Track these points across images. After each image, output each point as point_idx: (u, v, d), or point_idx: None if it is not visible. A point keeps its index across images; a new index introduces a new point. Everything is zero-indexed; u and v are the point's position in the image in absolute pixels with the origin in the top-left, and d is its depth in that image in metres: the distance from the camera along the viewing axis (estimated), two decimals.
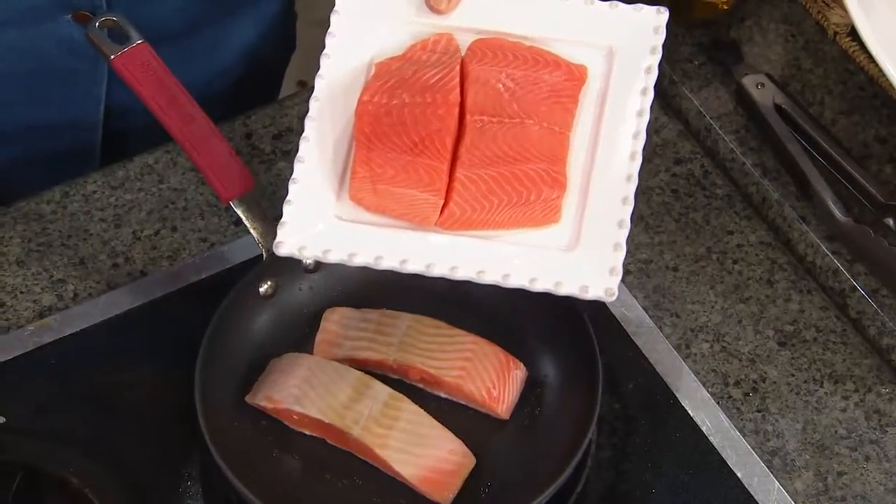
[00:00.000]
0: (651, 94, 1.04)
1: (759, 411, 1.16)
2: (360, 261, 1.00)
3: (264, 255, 1.14)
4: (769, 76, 1.29)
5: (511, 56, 1.05)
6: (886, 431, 1.15)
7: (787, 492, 1.11)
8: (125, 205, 1.24)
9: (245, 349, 1.13)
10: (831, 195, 1.22)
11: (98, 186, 1.25)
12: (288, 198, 1.01)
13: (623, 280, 1.20)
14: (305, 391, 1.09)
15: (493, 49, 1.05)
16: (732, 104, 1.30)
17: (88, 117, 1.34)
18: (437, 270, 0.99)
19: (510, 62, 1.04)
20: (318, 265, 1.17)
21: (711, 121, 1.29)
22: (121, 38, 1.13)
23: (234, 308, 1.13)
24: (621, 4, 1.06)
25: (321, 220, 1.01)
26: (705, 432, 1.14)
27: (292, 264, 1.16)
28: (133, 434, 1.07)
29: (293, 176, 1.02)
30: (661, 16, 1.06)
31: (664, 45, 1.05)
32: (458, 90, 1.03)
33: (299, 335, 1.15)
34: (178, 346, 1.13)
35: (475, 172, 1.01)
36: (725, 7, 1.33)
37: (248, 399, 1.11)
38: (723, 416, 1.15)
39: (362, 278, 1.15)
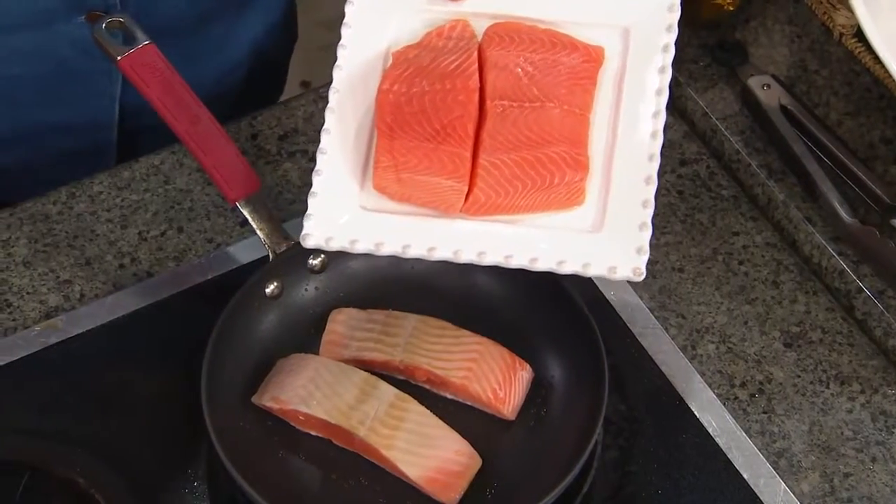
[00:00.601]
0: (669, 72, 1.04)
1: (765, 412, 1.15)
2: (387, 250, 1.00)
3: (271, 256, 1.14)
4: (775, 77, 1.29)
5: (528, 40, 1.05)
6: (893, 433, 1.15)
7: (794, 493, 1.11)
8: (131, 205, 1.24)
9: (251, 350, 1.13)
10: (837, 196, 1.22)
11: (104, 187, 1.25)
12: (312, 189, 1.01)
13: (628, 281, 1.21)
14: (311, 392, 1.09)
15: (509, 33, 1.05)
16: (738, 105, 1.30)
17: (104, 117, 1.34)
18: (465, 256, 0.99)
19: (527, 46, 1.04)
20: (325, 266, 1.17)
21: (717, 122, 1.29)
22: (128, 38, 1.13)
23: (241, 309, 1.13)
24: None
25: (347, 211, 1.01)
26: (711, 433, 1.14)
27: (298, 265, 1.16)
28: (139, 434, 1.07)
29: (317, 168, 1.02)
30: None
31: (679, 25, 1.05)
32: (477, 76, 1.03)
33: (305, 336, 1.15)
34: (185, 346, 1.13)
35: (498, 157, 1.01)
36: (731, 8, 1.33)
37: (254, 400, 1.11)
38: (729, 417, 1.15)
39: (368, 279, 1.15)
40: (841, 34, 1.33)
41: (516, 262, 0.99)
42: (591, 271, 0.98)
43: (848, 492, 1.12)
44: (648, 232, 0.99)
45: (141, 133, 1.36)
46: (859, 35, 1.29)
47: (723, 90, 1.31)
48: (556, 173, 1.00)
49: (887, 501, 1.11)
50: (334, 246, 1.00)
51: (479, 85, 1.03)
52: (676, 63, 1.30)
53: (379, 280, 1.16)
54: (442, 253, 0.99)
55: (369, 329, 1.14)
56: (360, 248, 1.00)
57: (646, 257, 0.98)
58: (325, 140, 1.03)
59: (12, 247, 1.21)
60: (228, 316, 1.11)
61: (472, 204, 1.00)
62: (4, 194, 1.28)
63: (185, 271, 1.20)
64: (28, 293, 1.19)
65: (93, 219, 1.23)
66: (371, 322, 1.15)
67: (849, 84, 1.31)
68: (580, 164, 1.01)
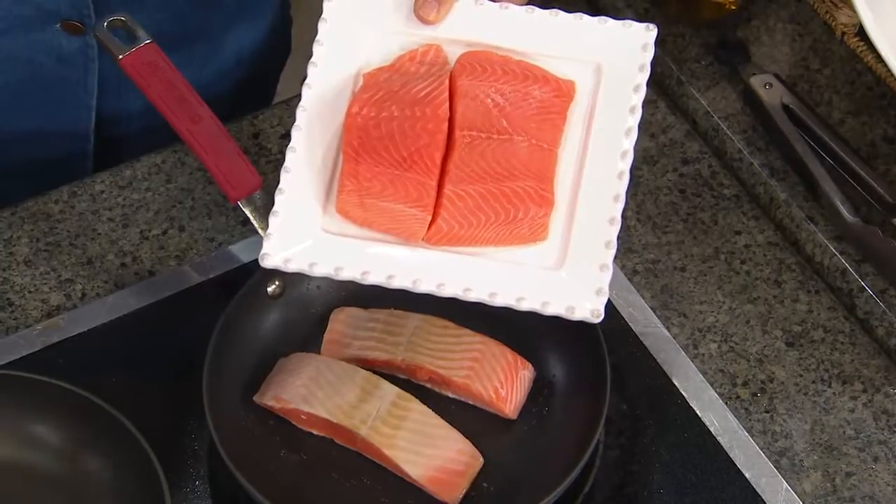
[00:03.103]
0: (639, 113, 1.03)
1: (767, 412, 1.15)
2: (346, 275, 0.98)
3: None
4: (777, 76, 1.29)
5: (500, 70, 1.04)
6: (895, 432, 1.15)
7: (796, 492, 1.11)
8: (133, 204, 1.24)
9: (253, 349, 1.13)
10: (839, 195, 1.22)
11: (106, 186, 1.25)
12: (274, 209, 1.00)
13: (630, 280, 1.21)
14: (313, 391, 1.09)
15: (481, 63, 1.04)
16: (740, 104, 1.30)
17: (80, 126, 1.33)
18: (424, 287, 0.98)
19: (499, 77, 1.03)
20: None
21: (719, 121, 1.29)
22: (129, 38, 1.13)
23: (242, 308, 1.13)
24: (610, 20, 1.05)
25: (307, 233, 1.00)
26: (713, 433, 1.14)
27: None
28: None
29: (280, 186, 1.01)
30: (649, 33, 1.04)
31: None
32: (447, 105, 1.02)
33: (307, 335, 1.15)
34: (186, 345, 1.13)
35: (463, 188, 1.00)
36: (733, 7, 1.32)
37: (255, 399, 1.11)
38: (731, 417, 1.14)
39: None
40: (843, 33, 1.32)
41: (475, 295, 0.98)
42: (550, 310, 0.98)
43: (850, 491, 1.12)
44: (609, 273, 0.98)
45: (118, 142, 1.35)
46: (861, 34, 1.29)
47: (725, 89, 1.31)
48: (521, 208, 1.00)
49: (889, 501, 1.11)
50: (292, 268, 0.99)
51: (448, 114, 1.02)
52: (678, 62, 1.32)
53: None
54: (401, 282, 0.98)
55: (371, 328, 1.14)
56: (318, 271, 0.99)
57: (605, 298, 0.97)
58: (290, 159, 1.01)
59: (14, 246, 1.21)
60: (230, 315, 1.11)
61: (434, 233, 0.99)
62: None
63: (186, 270, 1.20)
64: (29, 292, 1.19)
65: (94, 218, 1.23)
66: (373, 321, 1.15)
67: (851, 83, 1.31)
68: (545, 200, 1.00)
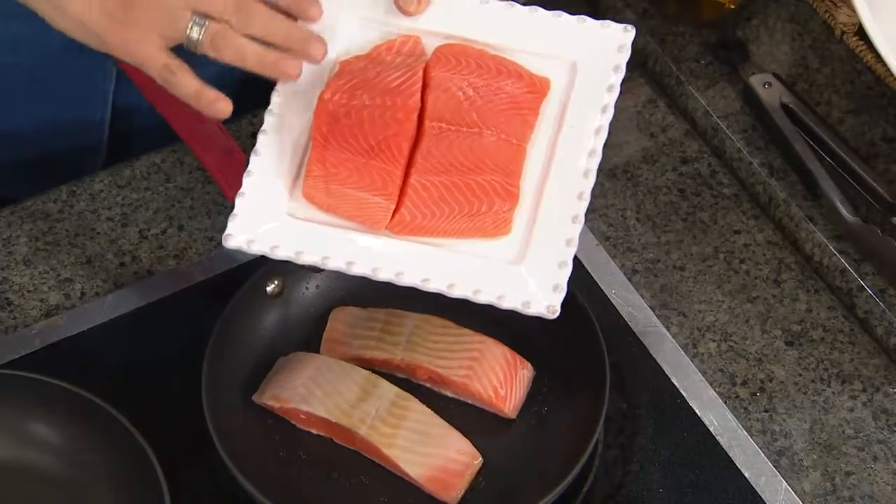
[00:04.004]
0: (611, 112, 1.03)
1: (766, 411, 1.15)
2: (307, 259, 0.99)
3: None
4: (776, 75, 1.29)
5: (474, 64, 1.04)
6: (894, 431, 1.15)
7: (795, 492, 1.11)
8: (132, 204, 1.24)
9: (252, 348, 1.13)
10: (839, 194, 1.22)
11: (105, 185, 1.25)
12: (241, 190, 1.01)
13: (630, 279, 1.21)
14: (312, 390, 1.09)
15: (456, 55, 1.04)
16: (739, 103, 1.30)
17: (95, 116, 1.33)
18: (383, 275, 0.98)
19: (473, 70, 1.04)
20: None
21: (718, 120, 1.29)
22: None
23: (242, 307, 1.13)
24: (589, 20, 1.06)
25: (273, 216, 1.00)
26: (713, 432, 1.13)
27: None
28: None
29: (248, 168, 1.01)
30: (627, 34, 1.05)
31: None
32: (418, 95, 1.02)
33: (306, 334, 1.15)
34: (185, 345, 1.13)
35: (428, 179, 1.00)
36: (732, 6, 1.32)
37: (255, 398, 1.11)
38: (730, 416, 1.14)
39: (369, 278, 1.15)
40: (842, 32, 1.33)
41: (433, 286, 0.98)
42: (506, 304, 0.98)
43: (849, 490, 1.12)
44: (568, 270, 0.98)
45: (133, 134, 1.35)
46: (861, 33, 1.29)
47: (724, 88, 1.31)
48: (485, 201, 1.00)
49: (889, 500, 1.11)
50: (255, 249, 0.99)
51: (419, 105, 1.02)
52: (677, 61, 1.32)
53: None
54: (360, 269, 0.99)
55: (370, 327, 1.14)
56: (280, 254, 0.99)
57: (562, 295, 0.97)
58: (262, 141, 1.02)
59: (13, 245, 1.21)
60: (229, 314, 1.11)
61: (397, 222, 1.00)
62: None
63: (185, 270, 1.20)
64: (29, 291, 1.19)
65: (93, 217, 1.23)
66: (372, 320, 1.15)
67: (850, 82, 1.31)
68: (510, 195, 1.01)
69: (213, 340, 1.10)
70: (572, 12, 1.06)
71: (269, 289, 1.15)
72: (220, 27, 0.97)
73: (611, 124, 1.29)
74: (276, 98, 1.03)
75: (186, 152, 1.26)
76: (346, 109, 1.01)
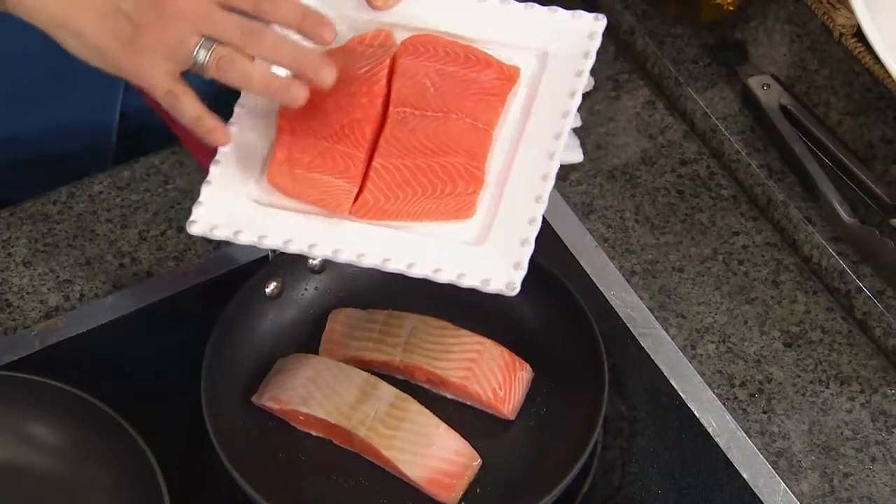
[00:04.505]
0: (579, 98, 1.03)
1: (764, 412, 1.15)
2: (269, 243, 1.00)
3: (270, 256, 1.14)
4: (775, 77, 1.29)
5: (442, 52, 1.05)
6: (892, 432, 1.15)
7: (793, 493, 1.11)
8: (131, 205, 1.24)
9: (251, 350, 1.13)
10: (837, 196, 1.22)
11: (104, 187, 1.25)
12: (207, 178, 1.01)
13: (628, 280, 1.21)
14: (311, 392, 1.09)
15: (425, 45, 1.05)
16: (738, 105, 1.30)
17: (104, 118, 1.33)
18: (344, 256, 0.99)
19: (441, 58, 1.04)
20: (324, 266, 1.17)
21: (717, 122, 1.29)
22: None
23: (241, 309, 1.13)
24: (560, 10, 1.06)
25: (237, 203, 1.01)
26: (711, 433, 1.13)
27: (298, 265, 1.16)
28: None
29: (215, 157, 1.02)
30: (598, 22, 1.05)
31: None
32: (384, 81, 1.03)
33: (305, 336, 1.15)
34: (185, 346, 1.13)
35: (391, 162, 1.01)
36: (731, 8, 1.32)
37: (254, 400, 1.11)
38: (728, 417, 1.14)
39: (368, 279, 1.15)
40: (841, 34, 1.32)
41: (393, 265, 0.98)
42: (466, 282, 0.97)
43: (848, 492, 1.12)
44: (530, 248, 0.98)
45: (141, 136, 1.35)
46: (859, 35, 1.28)
47: (723, 90, 1.31)
48: (448, 183, 1.00)
49: (887, 501, 1.11)
50: (218, 235, 1.00)
51: (385, 91, 1.03)
52: (676, 63, 1.31)
53: (379, 280, 1.15)
54: (321, 251, 0.99)
55: (369, 329, 1.14)
56: (243, 239, 0.99)
57: (522, 273, 0.97)
58: (230, 130, 1.03)
59: (12, 247, 1.21)
60: (228, 316, 1.12)
61: (360, 206, 1.00)
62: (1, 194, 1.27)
63: (185, 271, 1.20)
64: (28, 293, 1.19)
65: (93, 219, 1.23)
66: (371, 322, 1.14)
67: (849, 84, 1.31)
68: (474, 177, 1.01)
69: (213, 342, 1.10)
70: (546, 3, 1.06)
71: (268, 290, 1.15)
72: (227, 51, 0.97)
73: (609, 125, 1.31)
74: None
75: (186, 154, 1.26)
76: (312, 96, 1.01)
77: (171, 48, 0.97)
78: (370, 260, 0.99)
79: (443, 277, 0.98)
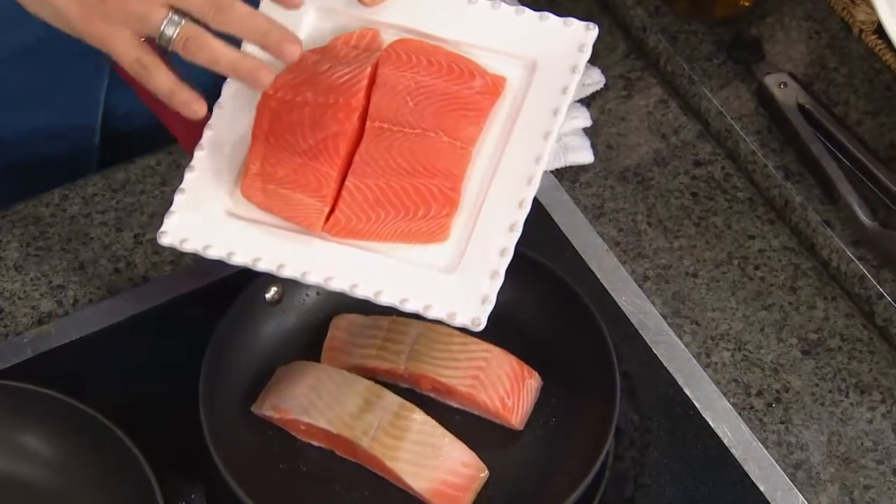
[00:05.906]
0: (562, 117, 1.01)
1: (782, 422, 1.15)
2: (238, 260, 0.99)
3: None
4: (792, 75, 1.29)
5: (426, 62, 1.03)
6: None
7: None
8: (126, 208, 1.24)
9: (251, 357, 1.13)
10: (857, 198, 1.21)
11: (98, 189, 1.25)
12: (181, 186, 1.01)
13: (641, 286, 1.22)
14: (313, 401, 1.09)
15: (408, 52, 1.03)
16: (754, 104, 1.30)
17: (87, 121, 1.33)
18: (312, 279, 0.99)
19: (423, 68, 1.03)
20: None
21: (732, 121, 1.29)
22: None
23: (240, 315, 1.12)
24: (552, 16, 1.05)
25: (210, 214, 1.01)
26: (727, 444, 1.13)
27: None
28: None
29: (190, 163, 1.02)
30: (589, 32, 1.03)
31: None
32: (363, 93, 1.02)
33: (306, 342, 1.15)
34: (182, 354, 1.12)
35: (364, 182, 1.00)
36: (747, 4, 1.32)
37: (254, 409, 1.11)
38: (745, 428, 1.14)
39: None
40: (861, 30, 1.32)
41: (361, 292, 0.98)
42: (432, 314, 0.97)
43: None
44: (499, 281, 0.97)
45: (126, 139, 1.35)
46: (880, 31, 1.28)
47: (738, 88, 1.31)
48: (422, 206, 0.99)
49: None
50: (187, 248, 1.00)
51: (363, 103, 1.02)
52: (690, 60, 1.32)
53: None
54: (290, 272, 0.99)
55: (373, 335, 1.13)
56: (212, 254, 0.99)
57: (489, 307, 0.96)
58: (206, 137, 1.02)
59: (3, 250, 1.21)
60: (227, 322, 1.11)
61: (332, 225, 1.00)
62: None
63: (182, 276, 1.20)
64: (19, 298, 1.19)
65: (87, 221, 1.23)
66: (374, 328, 1.14)
67: (869, 82, 1.31)
68: (449, 200, 1.00)
69: (211, 349, 1.09)
70: (536, 8, 1.05)
71: (268, 295, 1.14)
72: (195, 29, 0.96)
73: (621, 125, 1.31)
74: (226, 91, 1.04)
75: (182, 155, 1.25)
76: (288, 107, 1.01)
77: (137, 19, 0.96)
78: (338, 284, 0.98)
79: (409, 307, 0.98)
